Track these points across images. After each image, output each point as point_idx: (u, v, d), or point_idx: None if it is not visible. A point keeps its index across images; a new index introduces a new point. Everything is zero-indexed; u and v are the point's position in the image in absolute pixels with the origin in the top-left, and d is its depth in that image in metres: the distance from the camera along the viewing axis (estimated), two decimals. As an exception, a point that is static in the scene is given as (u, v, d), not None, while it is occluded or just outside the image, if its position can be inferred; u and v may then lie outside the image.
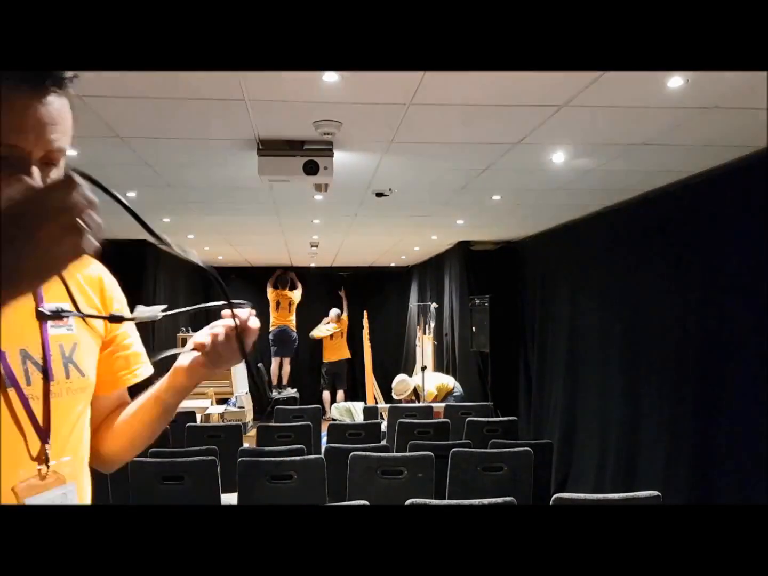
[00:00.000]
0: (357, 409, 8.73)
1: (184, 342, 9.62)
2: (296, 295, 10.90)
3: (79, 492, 1.08)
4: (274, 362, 10.80)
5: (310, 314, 12.08)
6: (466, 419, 5.19)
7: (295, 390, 10.62)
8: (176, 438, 4.99)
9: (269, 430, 5.02)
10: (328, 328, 10.85)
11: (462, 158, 3.99)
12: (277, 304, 10.78)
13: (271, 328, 10.70)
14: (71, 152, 4.16)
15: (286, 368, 10.90)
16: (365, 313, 10.47)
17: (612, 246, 5.41)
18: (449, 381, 7.86)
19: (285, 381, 10.87)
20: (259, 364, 10.76)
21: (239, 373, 9.68)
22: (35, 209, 0.71)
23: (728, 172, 3.91)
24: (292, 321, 10.76)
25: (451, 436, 5.01)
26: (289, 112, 3.10)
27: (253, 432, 6.53)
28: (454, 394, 7.66)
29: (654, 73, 2.57)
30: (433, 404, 6.91)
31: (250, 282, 12.05)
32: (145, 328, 6.51)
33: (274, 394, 10.37)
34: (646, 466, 4.74)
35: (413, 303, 11.25)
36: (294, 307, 10.77)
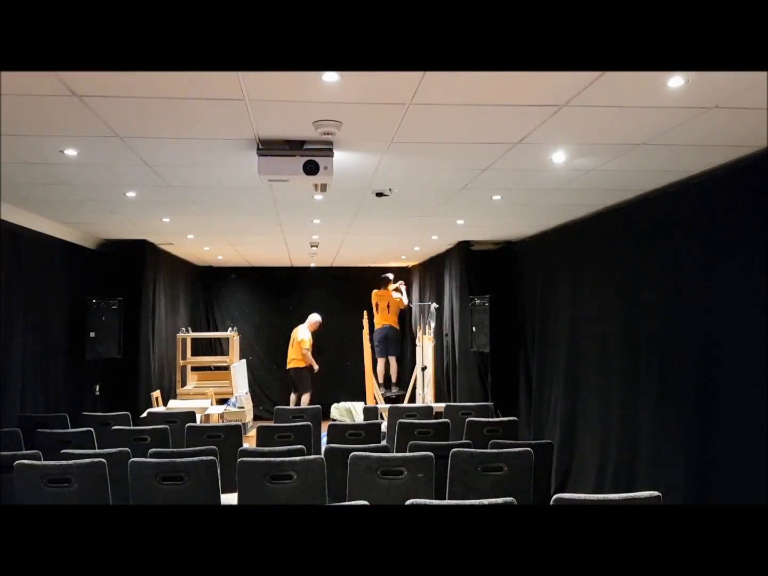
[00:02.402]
0: (357, 409, 8.73)
1: (183, 342, 9.63)
2: (394, 295, 11.03)
3: None
4: (380, 362, 10.95)
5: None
6: (466, 419, 5.18)
7: (396, 389, 10.76)
8: (176, 438, 4.99)
9: (269, 430, 5.01)
10: None
11: (462, 158, 3.99)
12: (377, 305, 10.98)
13: (375, 329, 10.91)
14: (71, 152, 4.17)
15: (394, 366, 11.01)
16: (365, 313, 10.46)
17: (612, 246, 5.41)
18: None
19: (393, 380, 11.01)
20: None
21: (239, 373, 9.69)
22: None
23: (728, 172, 3.91)
24: (393, 320, 10.92)
25: (451, 436, 5.01)
26: (289, 112, 3.10)
27: (253, 432, 6.53)
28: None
29: (654, 73, 2.57)
30: (433, 404, 6.91)
31: (250, 282, 12.06)
32: (145, 328, 6.54)
33: (381, 391, 10.49)
34: (646, 466, 4.74)
35: (413, 303, 11.26)
36: (393, 308, 10.93)
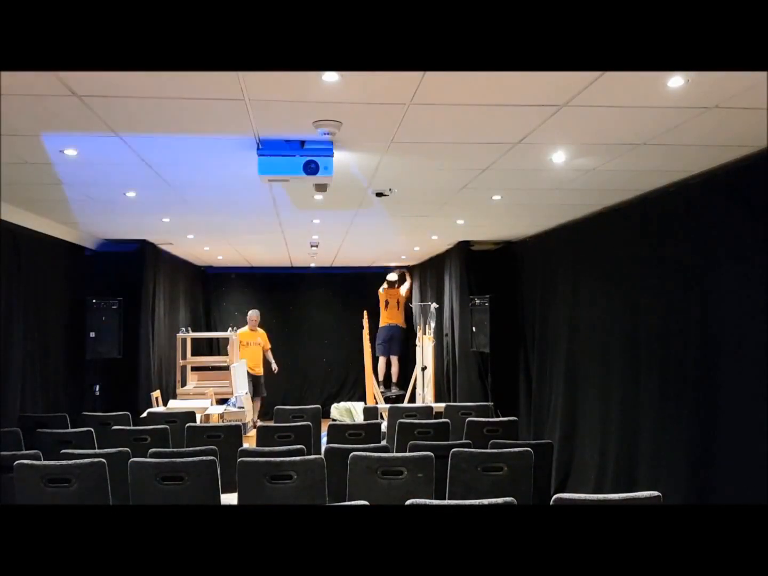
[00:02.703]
0: (357, 409, 8.73)
1: (183, 342, 9.63)
2: (402, 290, 10.96)
3: None
4: (381, 360, 10.84)
5: (315, 314, 12.05)
6: (466, 419, 5.18)
7: (397, 389, 10.69)
8: (176, 438, 4.99)
9: (269, 430, 5.01)
10: None
11: (462, 158, 3.99)
12: (386, 303, 10.92)
13: (380, 327, 10.81)
14: (71, 152, 4.18)
15: (395, 366, 10.92)
16: (365, 313, 10.46)
17: (612, 246, 5.41)
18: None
19: (395, 379, 10.91)
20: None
21: (239, 373, 9.68)
22: None
23: (728, 172, 3.91)
24: (400, 319, 10.85)
25: (451, 436, 5.01)
26: (289, 112, 3.10)
27: (253, 432, 6.53)
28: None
29: (654, 73, 2.57)
30: (433, 404, 6.91)
31: (250, 282, 12.06)
32: (145, 328, 6.53)
33: (381, 390, 10.40)
34: (646, 466, 4.74)
35: (413, 303, 11.25)
36: (402, 304, 10.86)
